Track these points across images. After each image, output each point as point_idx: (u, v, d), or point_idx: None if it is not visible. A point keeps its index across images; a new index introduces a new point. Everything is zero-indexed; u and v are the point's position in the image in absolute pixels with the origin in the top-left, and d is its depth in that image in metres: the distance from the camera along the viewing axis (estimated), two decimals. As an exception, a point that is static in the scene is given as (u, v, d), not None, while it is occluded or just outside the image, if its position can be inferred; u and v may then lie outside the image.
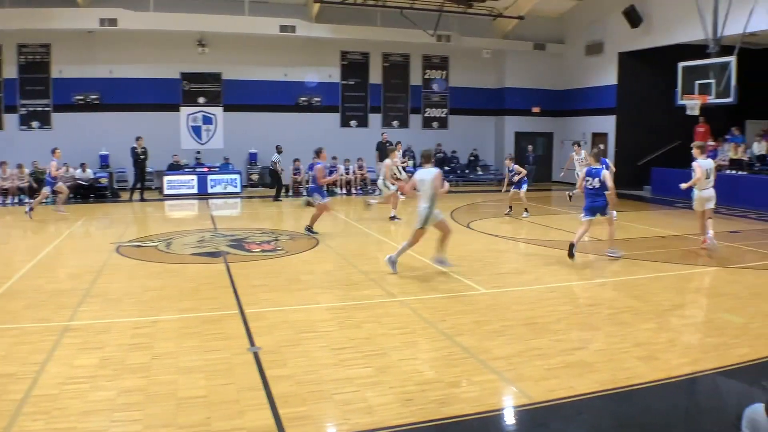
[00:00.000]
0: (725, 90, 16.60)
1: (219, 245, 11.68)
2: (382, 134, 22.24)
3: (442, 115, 26.02)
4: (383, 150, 21.56)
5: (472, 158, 25.64)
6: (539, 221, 14.90)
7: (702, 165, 11.36)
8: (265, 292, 8.27)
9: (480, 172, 25.21)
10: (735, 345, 6.38)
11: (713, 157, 18.95)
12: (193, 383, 5.17)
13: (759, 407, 3.45)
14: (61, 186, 15.97)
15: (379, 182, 15.79)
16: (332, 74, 24.05)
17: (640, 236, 13.40)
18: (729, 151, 19.44)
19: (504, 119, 26.25)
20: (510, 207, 16.03)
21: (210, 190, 20.78)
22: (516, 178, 15.60)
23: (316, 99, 23.76)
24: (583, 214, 10.70)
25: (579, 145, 18.04)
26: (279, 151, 20.21)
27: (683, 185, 11.54)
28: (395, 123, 25.09)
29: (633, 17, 21.19)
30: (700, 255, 11.22)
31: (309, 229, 12.99)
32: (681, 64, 18.13)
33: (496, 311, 7.55)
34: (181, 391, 5.02)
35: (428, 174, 9.18)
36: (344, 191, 21.58)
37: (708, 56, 17.22)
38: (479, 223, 14.79)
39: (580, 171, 17.22)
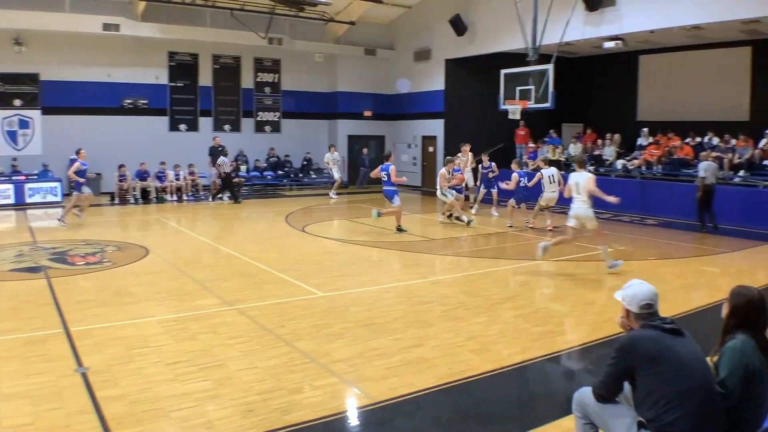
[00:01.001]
0: (544, 96, 17.58)
1: (39, 259, 10.84)
2: (214, 138, 21.67)
3: (275, 119, 25.77)
4: (216, 154, 21.06)
5: (305, 162, 25.47)
6: (383, 223, 15.06)
7: (544, 173, 14.43)
8: (91, 307, 7.75)
9: (314, 176, 25.18)
10: (560, 332, 6.86)
11: (533, 158, 20.30)
12: (18, 410, 4.76)
13: (587, 390, 3.71)
14: (85, 189, 15.48)
15: (439, 194, 15.24)
16: (159, 76, 23.01)
17: (469, 234, 14.02)
18: (548, 152, 20.81)
19: (337, 123, 26.46)
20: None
21: (28, 200, 19.16)
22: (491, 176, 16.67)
23: (143, 101, 22.55)
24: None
25: (466, 144, 17.80)
26: (225, 154, 20.29)
27: (528, 184, 14.72)
28: (227, 127, 24.46)
29: (458, 26, 22.11)
30: (537, 246, 11.98)
31: (399, 228, 13.80)
32: (503, 71, 19.01)
33: (334, 314, 7.59)
34: (5, 419, 4.61)
35: (582, 178, 10.08)
36: (175, 198, 20.75)
37: (528, 64, 18.18)
38: (314, 226, 14.80)
39: (470, 171, 17.80)
